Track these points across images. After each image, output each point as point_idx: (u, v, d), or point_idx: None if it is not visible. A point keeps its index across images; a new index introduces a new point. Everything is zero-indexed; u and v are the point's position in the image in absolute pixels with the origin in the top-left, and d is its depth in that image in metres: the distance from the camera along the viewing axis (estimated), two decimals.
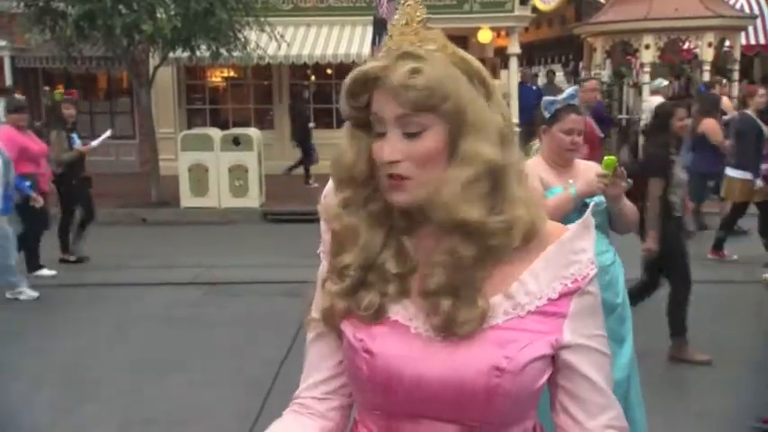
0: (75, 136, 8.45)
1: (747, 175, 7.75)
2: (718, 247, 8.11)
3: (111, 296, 7.27)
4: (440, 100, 1.16)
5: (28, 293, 7.04)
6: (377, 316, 1.23)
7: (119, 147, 14.86)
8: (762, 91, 8.46)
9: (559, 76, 18.15)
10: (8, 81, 14.80)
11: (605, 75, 15.31)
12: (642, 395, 3.58)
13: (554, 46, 22.88)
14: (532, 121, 5.09)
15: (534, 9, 17.56)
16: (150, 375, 5.18)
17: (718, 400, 4.47)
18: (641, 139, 13.32)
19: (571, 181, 3.35)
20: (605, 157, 3.37)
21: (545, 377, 1.21)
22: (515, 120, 12.53)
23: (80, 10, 10.42)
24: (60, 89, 10.93)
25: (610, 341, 1.29)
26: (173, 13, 10.77)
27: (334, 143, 1.33)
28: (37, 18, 11.02)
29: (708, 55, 13.43)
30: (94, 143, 8.97)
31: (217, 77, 16.42)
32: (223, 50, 11.69)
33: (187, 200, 11.63)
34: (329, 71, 15.54)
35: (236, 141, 11.68)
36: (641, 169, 5.21)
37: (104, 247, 8.55)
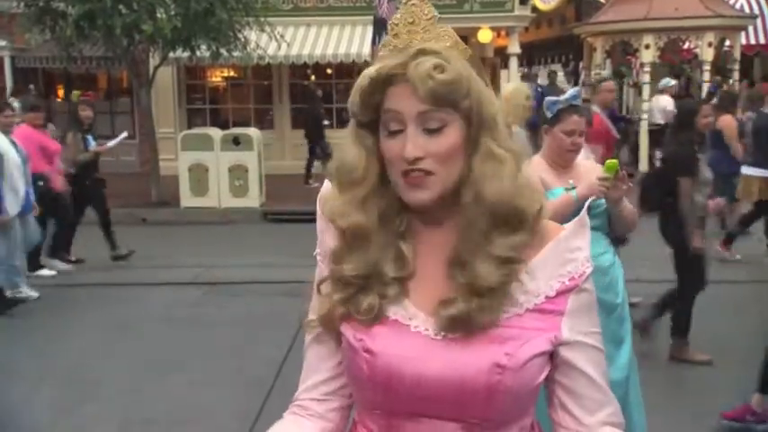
0: (90, 137, 8.52)
1: (766, 173, 7.69)
2: (728, 242, 8.05)
3: (111, 296, 7.27)
4: (461, 95, 1.18)
5: (28, 293, 7.04)
6: (376, 317, 1.23)
7: (119, 147, 14.79)
8: None
9: (560, 76, 18.15)
10: (8, 81, 14.83)
11: (605, 75, 15.30)
12: (642, 395, 3.58)
13: (554, 46, 22.86)
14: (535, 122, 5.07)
15: (534, 9, 17.55)
16: (150, 375, 5.17)
17: (719, 400, 4.46)
18: (641, 139, 13.39)
19: (571, 181, 3.35)
20: (607, 160, 3.37)
21: (544, 374, 1.22)
22: None
23: (80, 10, 10.41)
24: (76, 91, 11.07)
25: (609, 342, 1.30)
26: (173, 12, 10.77)
27: (336, 143, 1.33)
28: (37, 18, 11.02)
29: (708, 55, 13.42)
30: (110, 144, 9.11)
31: (217, 77, 16.43)
32: (223, 50, 11.69)
33: (187, 200, 11.64)
34: (329, 71, 15.54)
35: (237, 141, 11.67)
36: (669, 169, 5.16)
37: (104, 247, 8.54)
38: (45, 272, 7.84)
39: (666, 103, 12.46)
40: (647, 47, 13.38)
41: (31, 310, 6.76)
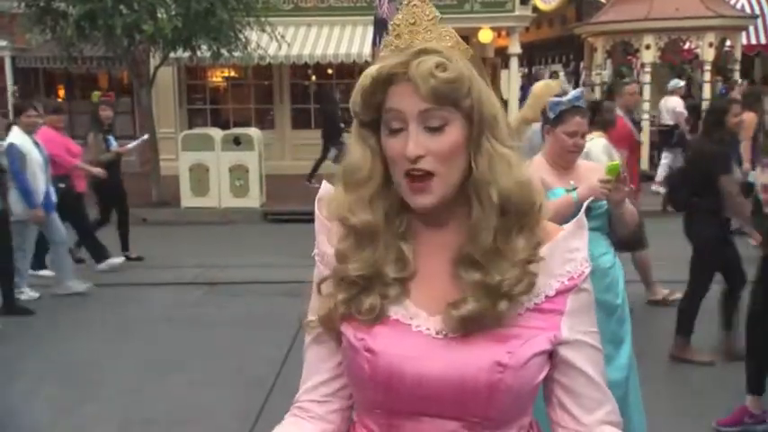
0: (111, 138, 8.56)
1: None
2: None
3: (111, 296, 7.27)
4: (463, 94, 1.18)
5: (28, 293, 7.04)
6: (378, 317, 1.23)
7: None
8: None
9: (561, 77, 18.15)
10: (9, 81, 14.83)
11: (606, 75, 15.30)
12: (642, 395, 3.58)
13: (555, 46, 22.84)
14: None
15: (535, 9, 17.54)
16: (150, 375, 5.18)
17: (719, 400, 4.47)
18: (642, 139, 13.37)
19: (572, 182, 3.35)
20: (608, 163, 3.37)
21: (543, 373, 1.23)
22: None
23: (81, 10, 10.42)
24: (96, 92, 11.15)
25: (609, 343, 1.30)
26: (173, 13, 10.77)
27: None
28: (38, 18, 11.02)
29: (708, 55, 13.41)
30: (131, 145, 9.21)
31: (217, 77, 16.42)
32: (224, 50, 11.69)
33: (187, 200, 11.64)
34: (330, 71, 15.54)
35: (237, 141, 11.68)
36: (695, 168, 5.11)
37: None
38: (45, 272, 7.83)
39: (676, 104, 12.40)
40: (648, 47, 13.37)
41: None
